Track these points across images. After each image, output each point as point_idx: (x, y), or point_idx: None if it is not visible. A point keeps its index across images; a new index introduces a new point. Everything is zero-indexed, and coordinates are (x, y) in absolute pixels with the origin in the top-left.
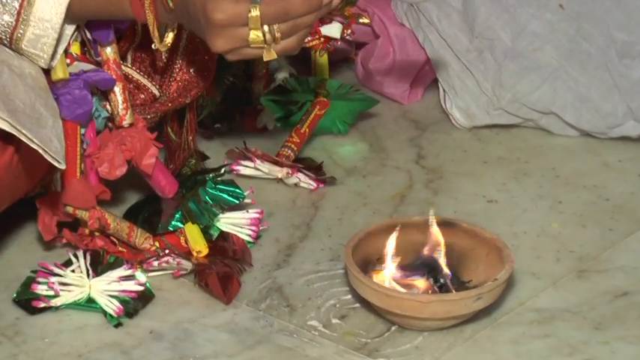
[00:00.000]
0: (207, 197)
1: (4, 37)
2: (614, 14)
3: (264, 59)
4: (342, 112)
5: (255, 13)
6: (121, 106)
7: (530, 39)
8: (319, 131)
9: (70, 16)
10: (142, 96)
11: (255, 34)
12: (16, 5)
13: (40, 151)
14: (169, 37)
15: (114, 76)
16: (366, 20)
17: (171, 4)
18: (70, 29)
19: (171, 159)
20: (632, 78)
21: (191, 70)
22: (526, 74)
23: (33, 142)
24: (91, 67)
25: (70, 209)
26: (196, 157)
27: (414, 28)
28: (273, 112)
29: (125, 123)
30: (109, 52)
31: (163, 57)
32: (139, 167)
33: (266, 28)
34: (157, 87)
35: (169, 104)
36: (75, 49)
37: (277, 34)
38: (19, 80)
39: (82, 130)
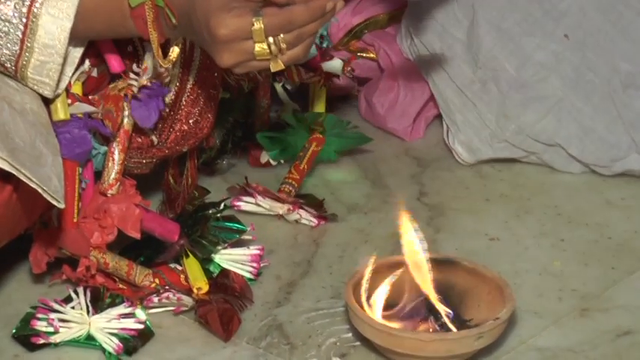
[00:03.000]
0: (209, 231)
1: (9, 66)
2: (618, 44)
3: (272, 70)
4: (334, 145)
5: (258, 25)
6: (113, 176)
7: (535, 69)
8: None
9: (74, 38)
10: (139, 140)
11: (260, 47)
12: (19, 34)
13: (40, 190)
14: (174, 53)
15: (121, 146)
16: (371, 55)
17: (174, 21)
18: (77, 52)
19: (171, 207)
20: (636, 109)
21: (190, 122)
22: (530, 105)
23: (32, 181)
24: (92, 108)
25: (65, 251)
26: (197, 192)
27: (417, 62)
28: (268, 149)
29: (110, 193)
30: (126, 122)
31: (166, 107)
32: (126, 232)
33: (271, 39)
34: (156, 134)
35: (166, 151)
36: (76, 89)
37: (282, 45)
38: (20, 117)
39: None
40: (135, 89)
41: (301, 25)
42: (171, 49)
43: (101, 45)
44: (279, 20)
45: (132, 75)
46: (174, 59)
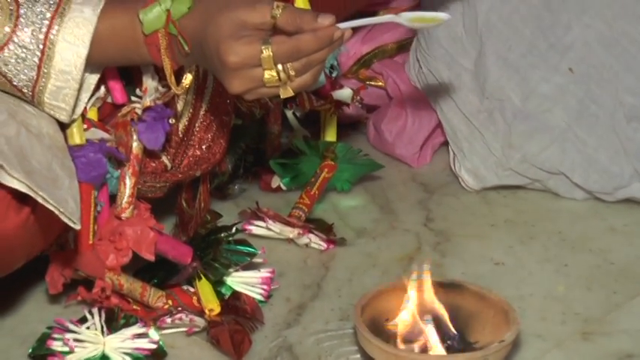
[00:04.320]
0: (221, 254)
1: (26, 91)
2: (622, 78)
3: (281, 97)
4: (347, 172)
5: (267, 53)
6: (125, 199)
7: (540, 101)
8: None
9: (89, 64)
10: (153, 164)
11: (269, 74)
12: (36, 60)
13: (56, 211)
14: (187, 80)
15: (132, 169)
16: (380, 83)
17: (186, 48)
18: (93, 78)
19: (184, 229)
20: (639, 141)
21: (203, 147)
22: (535, 135)
23: (49, 202)
24: (106, 135)
25: (81, 273)
26: (210, 215)
27: (425, 90)
28: (280, 175)
29: (124, 216)
30: (135, 146)
31: (179, 132)
32: (141, 255)
33: (280, 67)
34: (170, 159)
35: (180, 175)
36: (92, 114)
37: (291, 72)
38: (37, 141)
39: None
40: (139, 111)
41: (309, 53)
42: (184, 76)
43: (107, 75)
44: (288, 48)
45: (134, 99)
46: (187, 86)
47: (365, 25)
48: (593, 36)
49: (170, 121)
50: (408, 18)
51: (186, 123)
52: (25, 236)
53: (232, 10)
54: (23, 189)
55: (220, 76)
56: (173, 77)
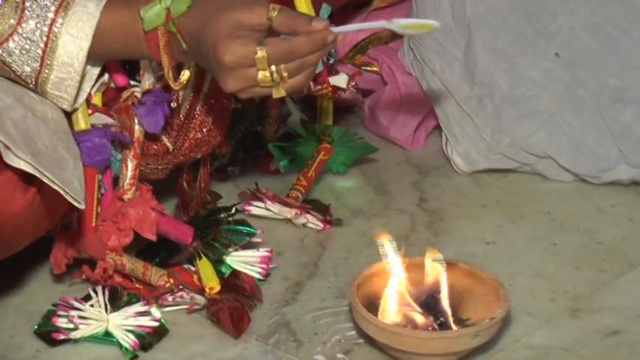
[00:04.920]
0: (221, 234)
1: (29, 82)
2: (607, 62)
3: (274, 97)
4: (343, 155)
5: (261, 54)
6: (127, 181)
7: (528, 86)
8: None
9: (91, 57)
10: (155, 147)
11: (263, 74)
12: (40, 52)
13: (61, 191)
14: (185, 76)
15: (134, 152)
16: (375, 68)
17: (184, 46)
18: (95, 69)
19: (185, 210)
20: (624, 123)
21: (204, 130)
22: (524, 120)
23: (54, 183)
24: (110, 120)
25: (84, 254)
26: (210, 196)
27: (418, 77)
28: (278, 158)
29: (126, 197)
30: (137, 129)
31: (181, 115)
32: (143, 235)
33: (273, 67)
34: (172, 141)
35: (181, 157)
36: (97, 100)
37: (284, 74)
38: (42, 124)
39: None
40: (138, 95)
41: (302, 55)
42: (182, 72)
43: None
44: (282, 50)
45: (133, 83)
46: (184, 82)
47: (358, 29)
48: (578, 22)
49: (172, 104)
50: (401, 25)
51: (187, 106)
52: (31, 216)
53: (230, 11)
54: (29, 169)
55: (216, 75)
56: (171, 73)
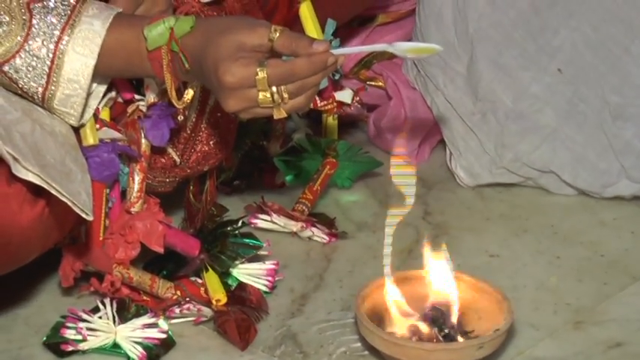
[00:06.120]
0: (228, 247)
1: (36, 98)
2: (608, 78)
3: (275, 117)
4: (348, 170)
5: (262, 75)
6: (134, 194)
7: (531, 101)
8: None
9: (96, 75)
10: (163, 160)
11: (263, 95)
12: (46, 69)
13: (69, 203)
14: (189, 95)
15: (140, 166)
16: (380, 83)
17: (187, 65)
18: (102, 87)
19: (191, 222)
20: (625, 138)
21: (211, 143)
22: (526, 135)
23: (62, 194)
24: (118, 134)
25: (91, 267)
26: (216, 209)
27: (422, 92)
28: (284, 172)
29: (133, 210)
30: (144, 143)
31: (188, 129)
32: (150, 247)
33: (274, 88)
34: (179, 154)
35: (188, 170)
36: (104, 115)
37: (285, 95)
38: (50, 137)
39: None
40: (144, 108)
41: (303, 77)
42: (186, 91)
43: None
44: (282, 71)
45: (137, 97)
46: (187, 101)
47: (359, 52)
48: (580, 39)
49: (179, 118)
50: (403, 49)
51: (194, 120)
52: (40, 229)
53: (232, 32)
54: (37, 182)
55: (217, 95)
56: (174, 92)
